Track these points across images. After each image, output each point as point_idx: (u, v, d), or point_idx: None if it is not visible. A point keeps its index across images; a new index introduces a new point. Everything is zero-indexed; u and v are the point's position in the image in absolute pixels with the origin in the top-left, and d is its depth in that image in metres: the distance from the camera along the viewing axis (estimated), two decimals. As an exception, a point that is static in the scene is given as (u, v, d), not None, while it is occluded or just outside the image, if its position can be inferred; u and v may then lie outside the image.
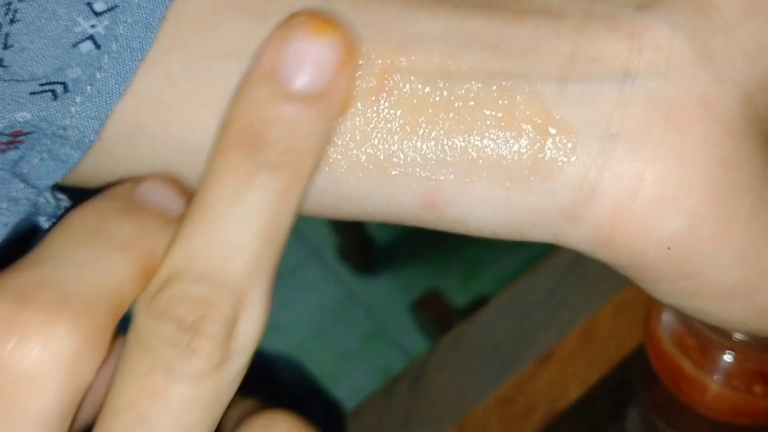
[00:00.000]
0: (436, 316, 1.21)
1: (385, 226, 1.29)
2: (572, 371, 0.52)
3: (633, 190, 0.19)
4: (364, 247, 1.34)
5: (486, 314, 0.53)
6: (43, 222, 0.20)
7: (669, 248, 0.19)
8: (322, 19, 0.18)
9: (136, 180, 0.19)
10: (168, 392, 0.17)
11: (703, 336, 0.47)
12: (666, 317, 0.49)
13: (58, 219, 0.20)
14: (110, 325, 0.17)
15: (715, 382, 0.48)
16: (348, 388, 1.15)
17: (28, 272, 0.17)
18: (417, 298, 1.24)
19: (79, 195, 0.20)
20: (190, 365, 0.17)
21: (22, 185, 0.19)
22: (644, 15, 0.19)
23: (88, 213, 0.18)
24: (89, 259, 0.17)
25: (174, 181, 0.19)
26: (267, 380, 0.49)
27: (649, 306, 0.49)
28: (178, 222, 0.18)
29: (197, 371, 0.17)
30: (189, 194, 0.19)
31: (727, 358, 0.47)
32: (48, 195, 0.19)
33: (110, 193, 0.19)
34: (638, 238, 0.19)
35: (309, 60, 0.18)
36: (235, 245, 0.17)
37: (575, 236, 0.19)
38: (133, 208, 0.18)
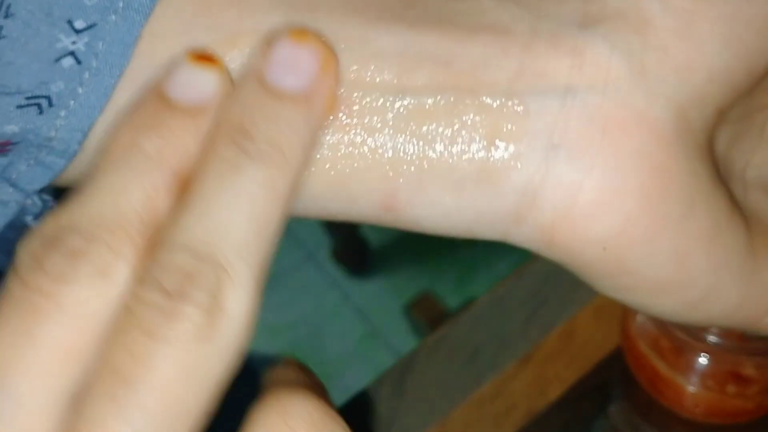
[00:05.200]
0: (430, 318, 1.21)
1: (379, 229, 1.30)
2: (552, 372, 0.53)
3: (572, 196, 0.20)
4: (358, 249, 1.35)
5: (468, 315, 0.54)
6: (30, 221, 0.21)
7: (605, 249, 0.21)
8: (303, 30, 0.20)
9: (163, 76, 0.20)
10: (149, 354, 0.17)
11: (676, 338, 0.48)
12: (640, 319, 0.50)
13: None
14: (143, 241, 0.18)
15: (689, 382, 0.49)
16: (342, 389, 1.16)
17: (69, 209, 0.18)
18: (410, 300, 1.25)
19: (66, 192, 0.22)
20: (171, 329, 0.17)
21: (10, 189, 0.20)
22: (586, 33, 0.20)
23: (120, 133, 0.19)
24: (122, 183, 0.18)
25: (200, 58, 0.20)
26: (259, 382, 0.50)
27: (625, 308, 0.50)
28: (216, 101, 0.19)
29: (179, 335, 0.17)
30: (216, 56, 0.20)
31: (701, 359, 0.48)
32: (35, 197, 0.21)
33: (139, 104, 0.19)
34: (576, 239, 0.21)
35: (293, 64, 0.19)
36: (222, 225, 0.18)
37: (520, 236, 0.21)
38: (160, 117, 0.19)
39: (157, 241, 0.18)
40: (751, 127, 0.23)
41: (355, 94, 0.20)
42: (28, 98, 0.20)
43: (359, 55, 0.20)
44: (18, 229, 0.21)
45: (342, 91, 0.20)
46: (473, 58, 0.20)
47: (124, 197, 0.18)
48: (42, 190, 0.21)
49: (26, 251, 0.18)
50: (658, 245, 0.21)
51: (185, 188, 0.19)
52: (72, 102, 0.20)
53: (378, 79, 0.20)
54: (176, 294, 0.17)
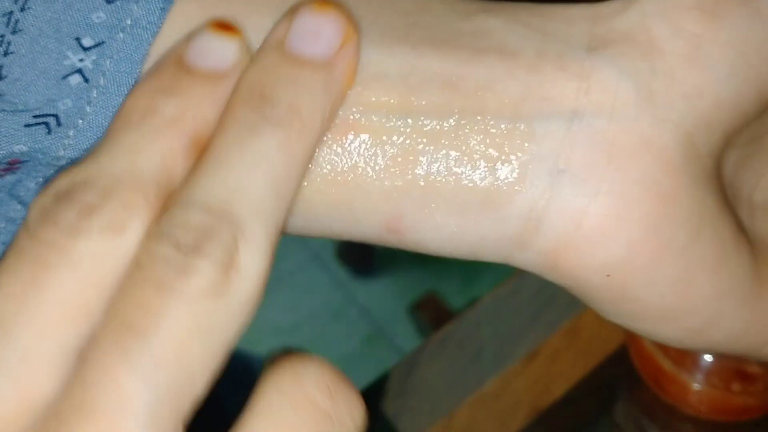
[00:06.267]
0: (435, 318, 1.21)
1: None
2: (557, 369, 0.53)
3: (576, 222, 0.20)
4: (363, 250, 1.35)
5: (474, 313, 0.55)
6: None
7: (608, 276, 0.20)
8: (326, 1, 0.20)
9: (183, 44, 0.19)
10: (161, 307, 0.16)
11: (681, 335, 0.49)
12: (645, 317, 0.50)
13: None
14: (157, 201, 0.17)
15: (694, 380, 0.49)
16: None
17: (84, 166, 0.18)
18: (415, 300, 1.24)
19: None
20: (184, 283, 0.16)
21: (18, 206, 0.20)
22: (593, 57, 0.20)
23: (138, 96, 0.19)
24: (139, 144, 0.18)
25: (221, 27, 0.20)
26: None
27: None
28: (232, 75, 0.19)
29: (192, 290, 0.16)
30: (239, 30, 0.20)
31: (706, 357, 0.48)
32: None
33: (159, 69, 0.19)
34: (580, 266, 0.20)
35: (315, 33, 0.19)
36: (239, 185, 0.18)
37: (524, 260, 0.21)
38: (179, 82, 0.19)
39: (171, 203, 0.18)
40: (759, 150, 0.23)
41: (360, 115, 0.20)
42: (35, 116, 0.20)
43: (363, 75, 0.20)
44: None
45: (347, 113, 0.20)
46: (479, 80, 0.20)
47: (141, 157, 0.18)
48: None
49: (38, 205, 0.17)
50: (662, 273, 0.20)
51: (201, 153, 0.18)
52: (80, 121, 0.20)
53: (382, 100, 0.20)
54: (190, 249, 0.17)
